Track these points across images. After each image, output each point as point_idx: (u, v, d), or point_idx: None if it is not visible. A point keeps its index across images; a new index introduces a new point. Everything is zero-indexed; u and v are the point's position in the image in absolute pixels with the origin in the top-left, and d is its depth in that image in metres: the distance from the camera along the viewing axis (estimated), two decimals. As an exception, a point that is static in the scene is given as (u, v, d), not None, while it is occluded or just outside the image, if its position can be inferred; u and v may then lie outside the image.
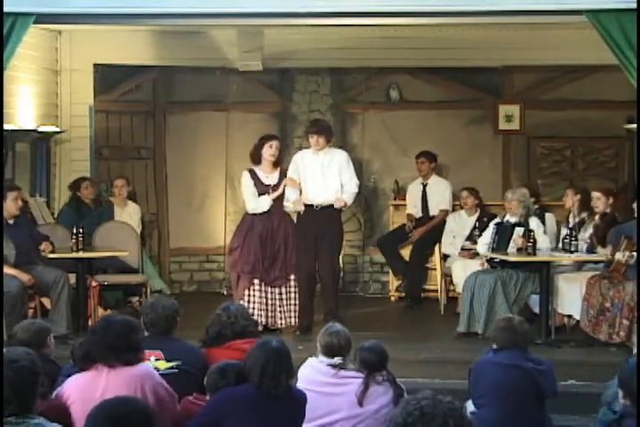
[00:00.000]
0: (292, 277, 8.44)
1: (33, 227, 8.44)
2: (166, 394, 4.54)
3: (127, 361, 4.45)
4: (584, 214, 8.67)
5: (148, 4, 7.18)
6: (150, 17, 7.46)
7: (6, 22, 6.97)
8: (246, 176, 8.56)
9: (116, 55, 10.22)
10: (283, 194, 8.47)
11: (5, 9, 6.88)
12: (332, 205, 8.42)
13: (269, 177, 8.52)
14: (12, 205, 8.03)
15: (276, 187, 8.47)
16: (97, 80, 10.38)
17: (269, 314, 8.39)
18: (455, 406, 2.86)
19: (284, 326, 8.42)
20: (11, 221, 8.07)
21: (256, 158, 8.53)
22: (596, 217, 8.48)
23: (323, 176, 8.45)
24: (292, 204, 8.42)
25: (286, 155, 9.05)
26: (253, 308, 8.23)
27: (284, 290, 8.44)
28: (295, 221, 8.56)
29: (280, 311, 8.43)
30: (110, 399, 3.41)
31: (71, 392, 4.40)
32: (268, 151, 8.46)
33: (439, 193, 10.39)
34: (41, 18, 7.20)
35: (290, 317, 8.45)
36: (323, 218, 8.38)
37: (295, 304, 8.44)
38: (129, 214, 9.93)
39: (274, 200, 8.45)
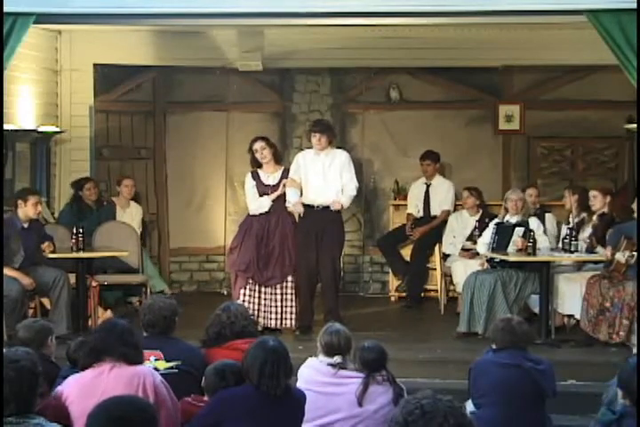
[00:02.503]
0: (290, 277, 8.44)
1: (42, 230, 8.42)
2: (167, 395, 4.54)
3: (131, 359, 4.49)
4: (584, 214, 8.68)
5: (148, 4, 7.18)
6: (150, 17, 7.46)
7: (6, 22, 6.97)
8: (249, 177, 8.60)
9: (116, 55, 10.22)
10: (284, 194, 8.47)
11: (5, 9, 6.88)
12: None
13: (270, 177, 8.53)
14: (31, 210, 8.05)
15: (275, 187, 8.47)
16: (97, 80, 10.38)
17: (263, 314, 8.37)
18: (455, 405, 2.87)
19: (276, 326, 8.40)
20: (25, 225, 8.08)
21: (255, 163, 8.56)
22: (594, 217, 8.48)
23: (324, 176, 8.46)
24: (292, 206, 8.44)
25: (286, 155, 9.05)
26: (249, 307, 8.22)
27: (279, 291, 8.43)
28: (297, 220, 8.57)
29: (275, 312, 8.42)
30: (112, 399, 3.38)
31: (70, 391, 4.40)
32: (256, 155, 8.49)
33: (442, 193, 10.39)
34: (41, 18, 7.20)
35: (287, 318, 8.44)
36: (324, 218, 8.39)
37: (292, 305, 8.42)
38: (130, 215, 9.94)
39: (273, 201, 8.45)
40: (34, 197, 8.12)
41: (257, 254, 8.38)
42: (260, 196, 8.49)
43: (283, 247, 8.43)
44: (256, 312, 8.30)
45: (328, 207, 8.41)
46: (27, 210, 8.04)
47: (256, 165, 8.57)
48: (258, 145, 8.50)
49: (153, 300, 5.50)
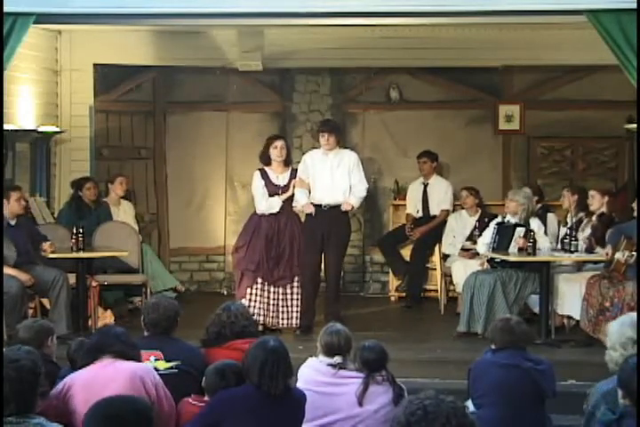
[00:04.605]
0: (297, 278, 8.45)
1: (33, 227, 8.44)
2: (164, 395, 4.58)
3: (129, 357, 4.54)
4: (581, 214, 8.67)
5: (148, 4, 7.18)
6: (150, 17, 7.46)
7: (6, 22, 6.97)
8: (257, 176, 8.58)
9: (116, 55, 10.22)
10: (293, 194, 8.49)
11: (5, 9, 6.88)
12: (340, 206, 8.45)
13: (280, 177, 8.55)
14: (15, 206, 8.04)
15: (286, 188, 8.49)
16: (97, 80, 10.38)
17: (271, 314, 8.41)
18: (457, 406, 2.87)
19: (286, 326, 8.43)
20: (12, 222, 8.07)
21: (265, 159, 8.56)
22: (594, 217, 8.48)
23: (332, 176, 8.48)
24: (300, 206, 8.45)
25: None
26: (254, 307, 8.25)
27: (288, 290, 8.46)
28: (303, 220, 8.58)
29: (283, 311, 8.44)
30: (109, 398, 3.42)
31: (74, 382, 4.44)
32: (274, 152, 8.50)
33: (440, 193, 10.40)
34: (41, 18, 7.20)
35: (292, 317, 8.46)
36: (330, 218, 8.41)
37: (298, 305, 8.44)
38: (124, 212, 9.97)
39: (283, 201, 8.47)
40: (15, 192, 8.10)
41: (266, 254, 8.39)
42: (270, 196, 8.49)
43: (292, 248, 8.46)
44: (263, 311, 8.34)
45: (335, 207, 8.43)
46: (11, 207, 8.03)
47: (264, 162, 8.57)
48: (280, 143, 8.54)
49: (158, 299, 5.50)
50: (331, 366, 5.09)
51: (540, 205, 9.30)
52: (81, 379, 4.46)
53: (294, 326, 8.43)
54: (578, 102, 11.17)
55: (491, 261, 8.58)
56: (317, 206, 8.45)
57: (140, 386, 4.42)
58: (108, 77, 10.71)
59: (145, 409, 3.32)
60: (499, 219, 8.66)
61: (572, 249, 8.13)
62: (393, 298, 10.65)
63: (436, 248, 10.09)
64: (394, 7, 7.15)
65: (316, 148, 8.85)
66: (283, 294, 8.45)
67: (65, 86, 10.24)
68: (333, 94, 11.42)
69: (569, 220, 8.74)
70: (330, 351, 5.12)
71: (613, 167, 11.41)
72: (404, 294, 10.41)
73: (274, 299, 8.42)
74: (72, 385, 4.43)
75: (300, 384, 5.00)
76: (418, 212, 10.47)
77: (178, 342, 5.28)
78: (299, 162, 8.82)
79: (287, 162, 8.62)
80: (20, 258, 7.97)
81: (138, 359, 4.67)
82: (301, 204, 8.45)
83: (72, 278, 8.22)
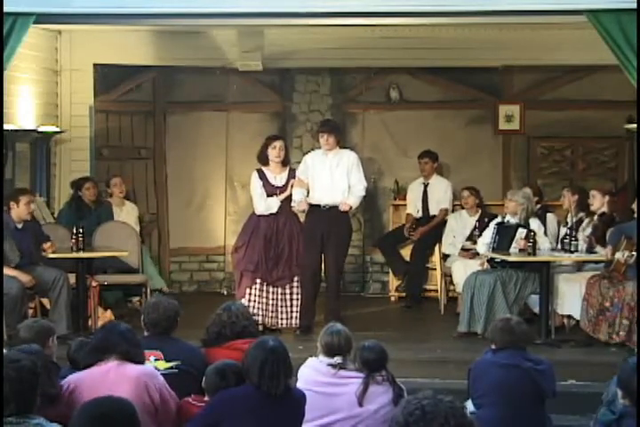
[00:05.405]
0: (296, 278, 8.46)
1: (39, 229, 8.41)
2: (169, 396, 4.58)
3: (133, 357, 4.55)
4: (581, 214, 8.68)
5: (148, 4, 7.19)
6: (150, 17, 7.46)
7: (6, 22, 6.97)
8: (255, 176, 8.60)
9: (116, 55, 10.22)
10: (291, 194, 8.49)
11: (5, 9, 6.89)
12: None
13: (277, 178, 8.56)
14: (24, 209, 8.03)
15: (284, 188, 8.50)
16: (97, 80, 10.38)
17: (271, 314, 8.42)
18: (456, 406, 2.86)
19: (285, 326, 8.44)
20: (19, 225, 8.07)
21: (263, 159, 8.57)
22: (595, 217, 8.48)
23: (331, 176, 8.49)
24: (296, 204, 8.46)
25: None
26: (254, 307, 8.26)
27: (287, 291, 8.46)
28: (303, 220, 8.59)
29: (282, 312, 8.45)
30: (94, 399, 3.44)
31: (77, 385, 4.45)
32: (272, 153, 8.50)
33: (440, 192, 10.40)
34: (41, 18, 7.20)
35: (291, 317, 8.47)
36: (330, 218, 8.42)
37: (298, 305, 8.45)
38: (127, 213, 9.96)
39: (281, 201, 8.48)
40: (25, 196, 8.10)
41: (265, 254, 8.40)
42: (269, 196, 8.49)
43: (291, 248, 8.47)
44: (262, 311, 8.34)
45: (335, 207, 8.44)
46: (20, 211, 8.03)
47: (262, 162, 8.58)
48: (279, 143, 8.56)
49: (158, 299, 5.50)
50: (331, 366, 5.09)
51: (539, 206, 9.31)
52: (86, 381, 4.44)
53: (294, 326, 8.44)
54: (578, 102, 11.17)
55: (491, 261, 8.58)
56: (317, 206, 8.46)
57: (143, 391, 4.42)
58: (108, 77, 10.71)
59: (132, 410, 3.34)
60: (499, 219, 8.67)
61: (572, 249, 8.13)
62: (393, 298, 10.65)
63: (436, 248, 10.09)
64: (394, 7, 7.16)
65: (317, 148, 8.87)
66: (282, 294, 8.45)
67: (65, 86, 10.24)
68: (333, 94, 11.42)
69: (569, 220, 8.74)
70: (330, 351, 5.12)
71: (613, 167, 11.41)
72: (404, 294, 10.42)
73: (273, 299, 8.43)
74: (76, 387, 4.42)
75: (300, 384, 5.00)
76: (418, 212, 10.47)
77: (178, 342, 5.28)
78: (298, 162, 8.84)
79: (285, 162, 8.63)
80: (22, 260, 7.98)
81: (141, 359, 4.67)
82: (297, 201, 8.45)
83: (72, 278, 8.22)
